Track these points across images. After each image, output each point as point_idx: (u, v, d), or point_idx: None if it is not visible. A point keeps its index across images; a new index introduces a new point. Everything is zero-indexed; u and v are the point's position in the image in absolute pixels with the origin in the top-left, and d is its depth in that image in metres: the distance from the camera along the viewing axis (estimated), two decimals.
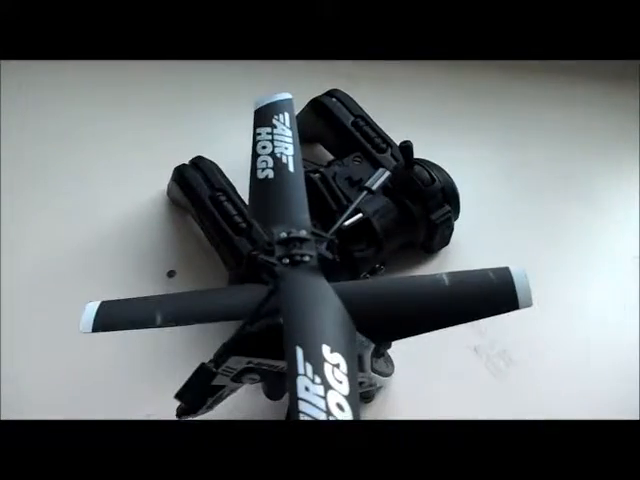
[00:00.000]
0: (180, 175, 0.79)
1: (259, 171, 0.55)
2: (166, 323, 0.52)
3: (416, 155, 0.74)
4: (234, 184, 0.78)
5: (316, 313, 0.46)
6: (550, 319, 0.73)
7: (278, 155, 0.55)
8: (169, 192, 0.84)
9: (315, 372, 0.40)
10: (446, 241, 0.79)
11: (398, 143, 0.75)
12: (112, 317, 0.53)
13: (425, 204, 0.75)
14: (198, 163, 0.79)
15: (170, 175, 0.81)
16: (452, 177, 0.76)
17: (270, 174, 0.54)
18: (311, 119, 0.84)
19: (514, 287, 0.47)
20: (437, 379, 0.69)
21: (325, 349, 0.42)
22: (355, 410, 0.40)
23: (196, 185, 0.77)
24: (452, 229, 0.79)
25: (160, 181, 0.84)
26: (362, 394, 0.65)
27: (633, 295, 0.76)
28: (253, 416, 0.66)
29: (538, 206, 0.85)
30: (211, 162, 0.80)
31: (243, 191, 0.75)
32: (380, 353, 0.62)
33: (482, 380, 0.70)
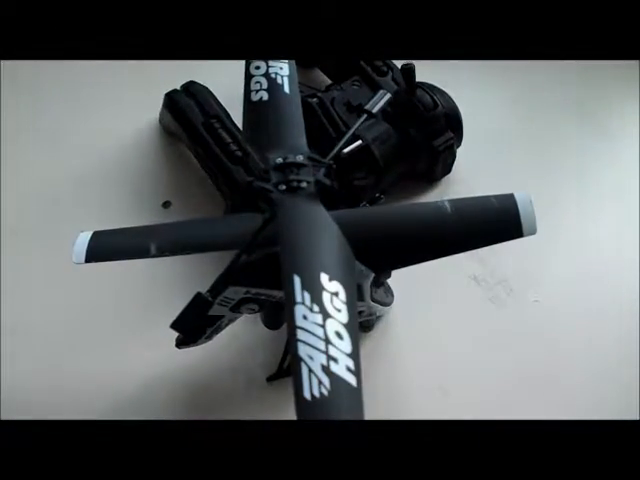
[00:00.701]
0: (171, 101, 0.76)
1: (253, 93, 0.52)
2: (160, 253, 0.51)
3: (418, 79, 0.71)
4: (228, 110, 0.75)
5: (314, 241, 0.44)
6: (551, 248, 0.72)
7: (273, 75, 0.52)
8: (161, 120, 0.81)
9: (313, 300, 0.39)
10: (448, 169, 0.77)
11: (399, 66, 0.71)
12: (105, 247, 0.52)
13: (427, 130, 0.72)
14: (190, 88, 0.76)
15: (161, 102, 0.78)
16: (455, 102, 0.73)
17: (264, 96, 0.52)
18: None
19: (518, 214, 0.46)
20: (437, 308, 0.69)
21: (323, 277, 0.41)
22: (354, 339, 0.39)
23: (188, 112, 0.74)
24: (455, 156, 0.76)
25: (152, 108, 0.80)
26: (362, 323, 0.64)
27: (634, 226, 0.74)
28: (251, 345, 0.66)
29: (543, 134, 0.83)
30: (204, 87, 0.76)
31: (238, 118, 0.73)
32: (380, 282, 0.61)
33: (482, 309, 0.69)
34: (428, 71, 0.72)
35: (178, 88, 0.77)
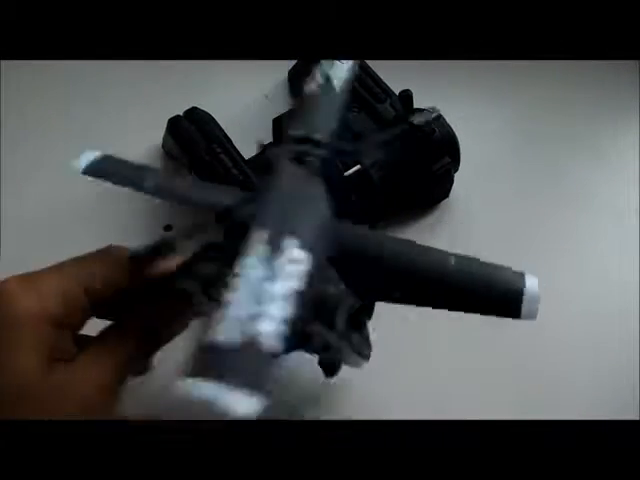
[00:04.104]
0: (174, 127, 0.78)
1: (305, 87, 0.53)
2: (154, 192, 0.52)
3: (415, 105, 0.73)
4: (229, 136, 0.76)
5: (297, 204, 0.44)
6: (551, 269, 0.72)
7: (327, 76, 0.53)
8: (164, 145, 0.82)
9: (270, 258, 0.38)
10: (446, 193, 0.78)
11: (397, 92, 0.74)
12: (105, 167, 0.54)
13: (425, 155, 0.73)
14: (192, 114, 0.78)
15: (164, 127, 0.79)
16: (452, 127, 0.74)
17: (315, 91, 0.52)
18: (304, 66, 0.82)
19: (522, 296, 0.43)
20: (434, 329, 0.69)
21: (291, 241, 0.40)
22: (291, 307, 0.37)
23: (190, 137, 0.76)
24: (452, 181, 0.77)
25: (155, 134, 0.82)
26: (323, 362, 0.48)
27: (634, 248, 0.74)
28: None
29: (540, 159, 0.83)
30: (206, 113, 0.78)
31: (239, 143, 0.75)
32: (359, 321, 0.50)
33: (481, 331, 0.69)
34: (425, 97, 0.74)
35: (181, 114, 0.79)
